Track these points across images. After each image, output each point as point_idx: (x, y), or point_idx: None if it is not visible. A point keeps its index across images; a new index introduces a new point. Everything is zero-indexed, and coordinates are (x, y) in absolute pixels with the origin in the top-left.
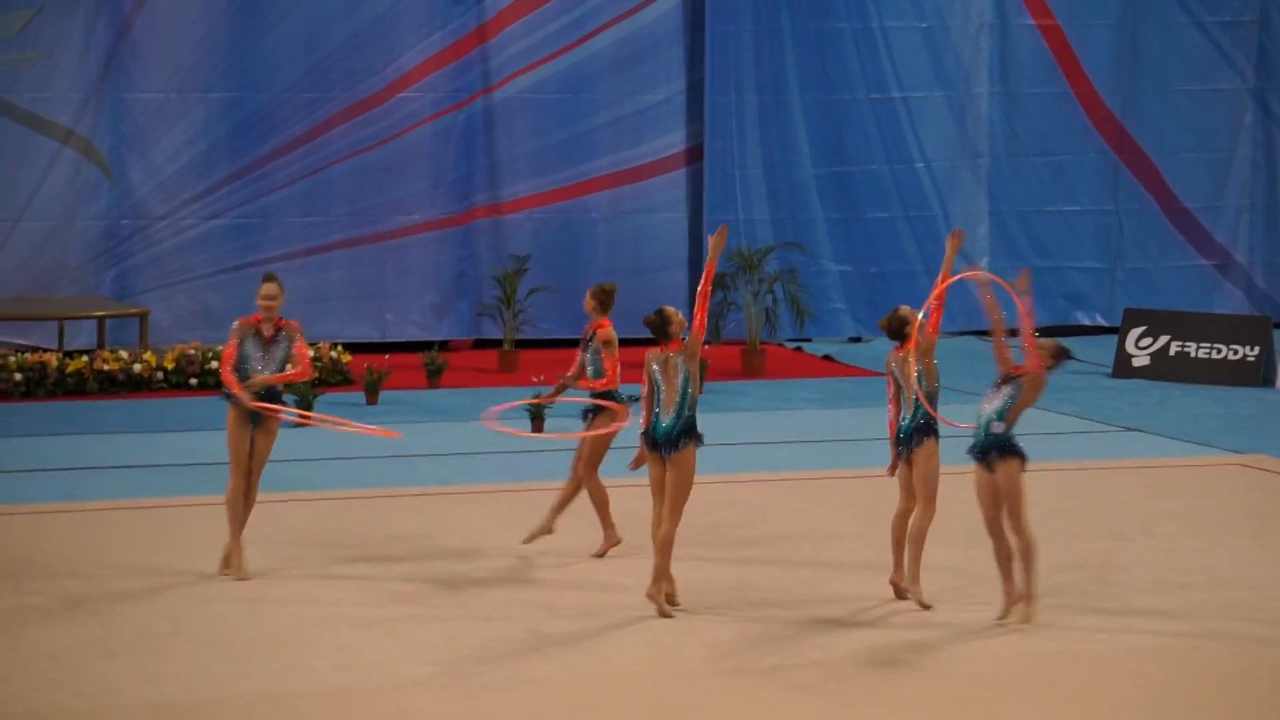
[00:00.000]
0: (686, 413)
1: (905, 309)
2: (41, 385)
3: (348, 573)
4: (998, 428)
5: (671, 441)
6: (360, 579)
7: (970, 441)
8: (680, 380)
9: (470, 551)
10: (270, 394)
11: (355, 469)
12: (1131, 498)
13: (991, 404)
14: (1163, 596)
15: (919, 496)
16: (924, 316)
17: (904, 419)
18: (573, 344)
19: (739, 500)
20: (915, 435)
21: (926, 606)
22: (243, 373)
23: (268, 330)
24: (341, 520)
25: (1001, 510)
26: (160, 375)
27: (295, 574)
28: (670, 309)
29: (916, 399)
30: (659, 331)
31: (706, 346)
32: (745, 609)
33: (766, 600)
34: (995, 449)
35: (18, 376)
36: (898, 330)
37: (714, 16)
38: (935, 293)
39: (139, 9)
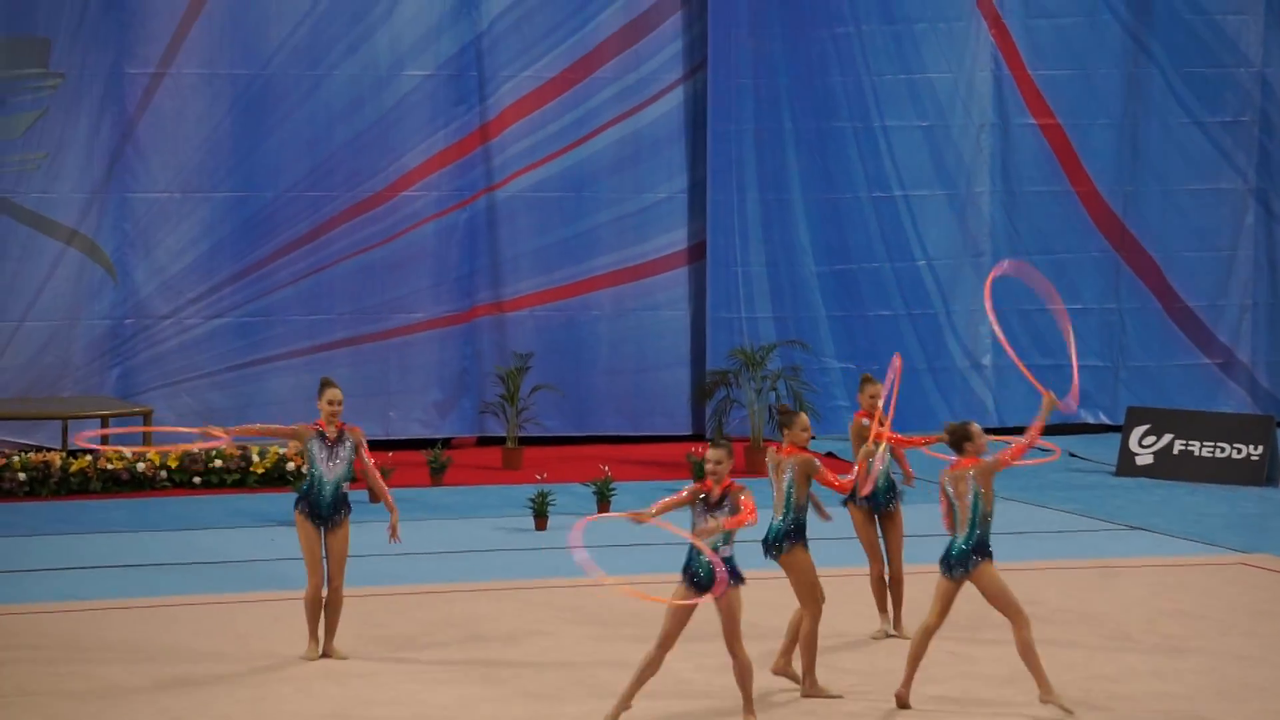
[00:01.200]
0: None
1: (975, 426)
2: (45, 485)
3: (351, 670)
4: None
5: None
6: (363, 677)
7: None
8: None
9: (473, 651)
10: (338, 499)
11: (357, 566)
12: (1136, 597)
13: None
14: (1168, 698)
15: (1006, 611)
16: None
17: (957, 539)
18: (576, 441)
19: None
20: (972, 555)
21: None
22: (313, 476)
23: (332, 433)
24: (344, 618)
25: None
26: (163, 474)
27: (300, 671)
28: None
29: (973, 518)
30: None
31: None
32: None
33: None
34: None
35: (21, 476)
36: (958, 442)
37: (715, 116)
38: (1019, 447)
39: (142, 110)
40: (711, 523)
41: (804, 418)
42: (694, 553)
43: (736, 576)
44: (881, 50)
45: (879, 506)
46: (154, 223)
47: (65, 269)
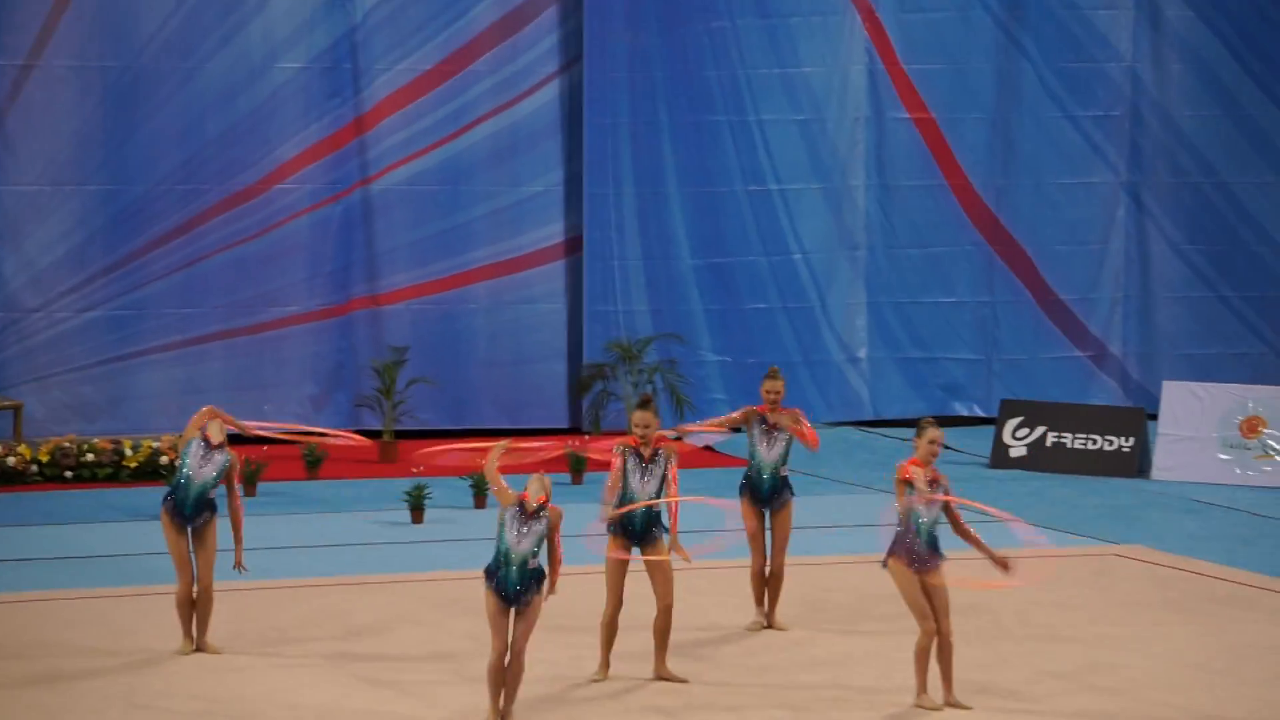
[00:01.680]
0: None
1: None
2: None
3: (224, 665)
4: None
5: None
6: (238, 671)
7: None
8: None
9: (350, 645)
10: (202, 501)
11: (229, 560)
12: (1010, 588)
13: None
14: (1041, 686)
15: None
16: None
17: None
18: (453, 434)
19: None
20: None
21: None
22: (181, 475)
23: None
24: (218, 613)
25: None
26: (35, 468)
27: (171, 667)
28: None
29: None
30: None
31: (586, 438)
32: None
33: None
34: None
35: None
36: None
37: (591, 109)
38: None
39: (11, 101)
40: None
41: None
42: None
43: None
44: (756, 44)
45: (768, 502)
46: (23, 215)
47: None
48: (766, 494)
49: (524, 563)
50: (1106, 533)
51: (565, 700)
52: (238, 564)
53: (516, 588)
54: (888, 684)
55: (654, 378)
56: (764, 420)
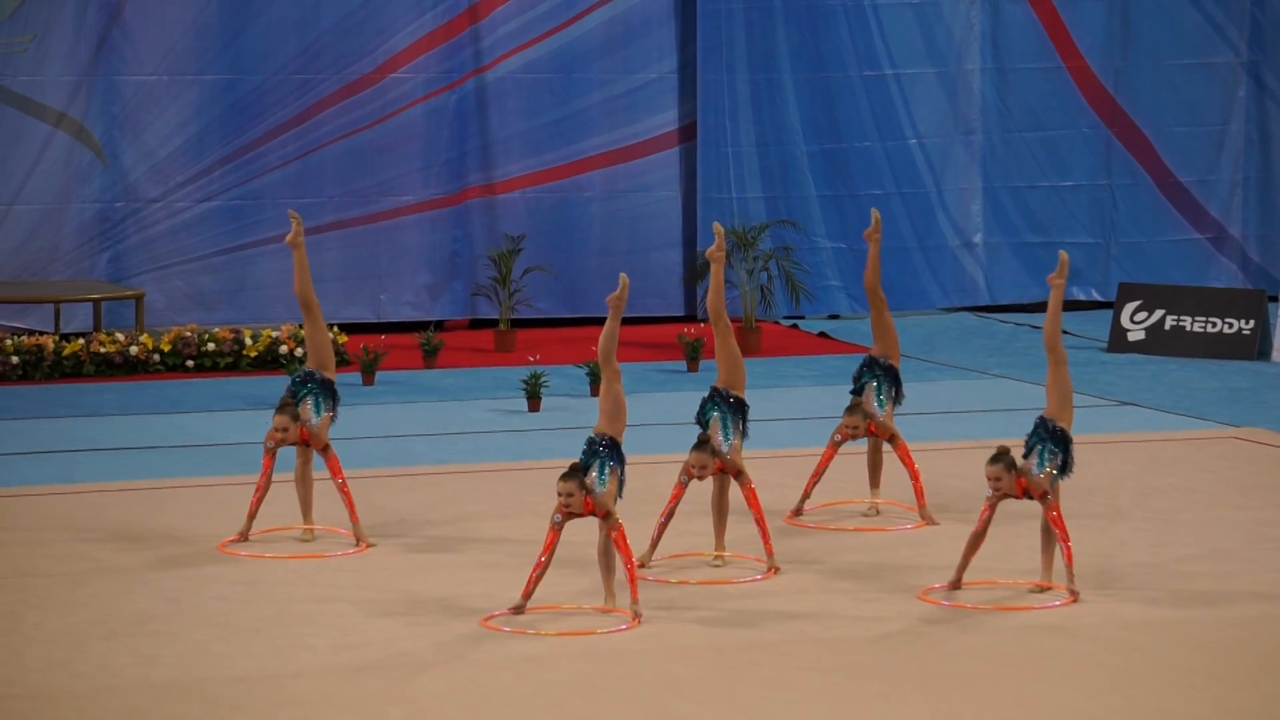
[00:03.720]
0: None
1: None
2: (38, 368)
3: (345, 552)
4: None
5: None
6: (358, 559)
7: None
8: None
9: (467, 531)
10: None
11: (350, 449)
12: (1128, 472)
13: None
14: (1159, 570)
15: None
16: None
17: None
18: (569, 323)
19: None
20: None
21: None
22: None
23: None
24: (338, 501)
25: None
26: (156, 358)
27: (294, 554)
28: None
29: None
30: None
31: (702, 324)
32: (744, 587)
33: (761, 580)
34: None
35: (14, 359)
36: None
37: None
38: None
39: None
40: None
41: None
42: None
43: None
44: None
45: None
46: (142, 106)
47: (54, 152)
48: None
49: None
50: (1226, 416)
51: (664, 583)
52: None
53: None
54: (1004, 565)
55: (769, 265)
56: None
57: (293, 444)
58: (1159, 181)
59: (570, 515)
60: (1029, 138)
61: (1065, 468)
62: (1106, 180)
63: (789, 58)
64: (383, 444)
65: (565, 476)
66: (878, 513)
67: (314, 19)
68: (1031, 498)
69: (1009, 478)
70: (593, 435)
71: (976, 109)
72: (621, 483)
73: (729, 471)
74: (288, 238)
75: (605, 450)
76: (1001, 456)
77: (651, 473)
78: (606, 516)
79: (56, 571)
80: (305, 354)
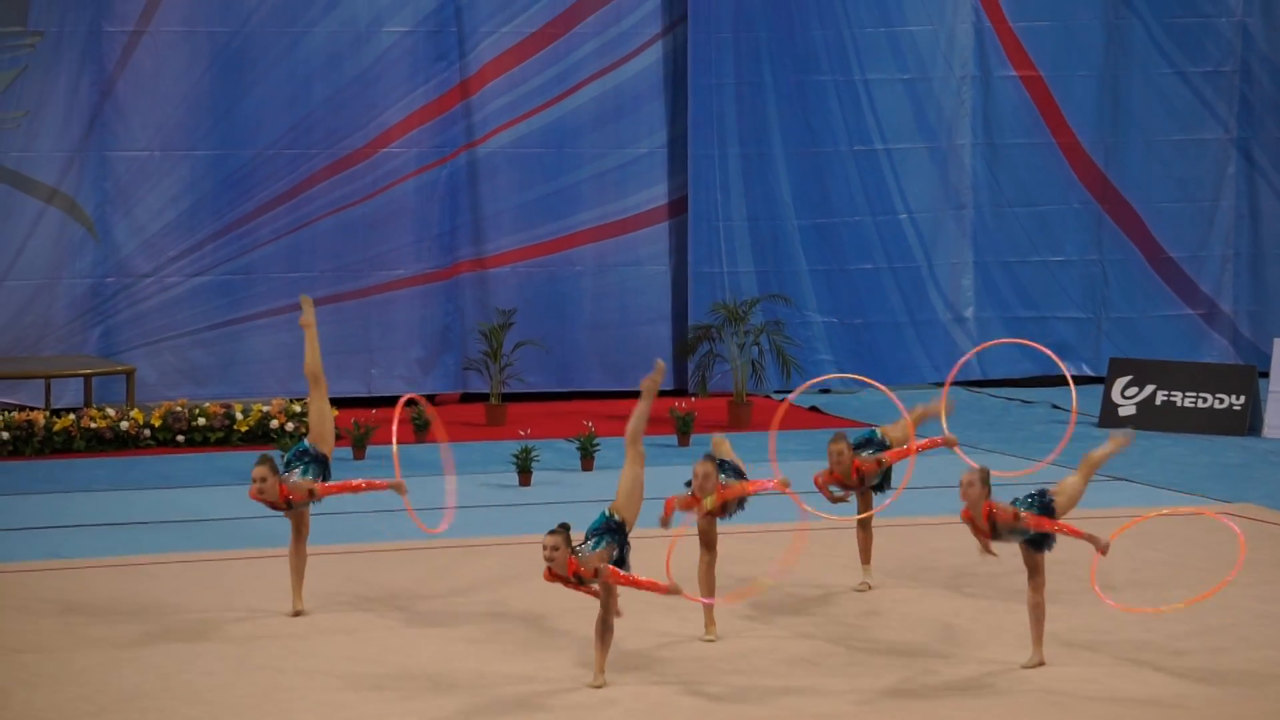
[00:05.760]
0: None
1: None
2: (29, 444)
3: (335, 626)
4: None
5: None
6: (347, 633)
7: None
8: None
9: (458, 606)
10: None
11: (341, 524)
12: (1120, 547)
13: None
14: (1150, 647)
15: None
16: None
17: None
18: (560, 397)
19: (733, 553)
20: None
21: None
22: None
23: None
24: (329, 575)
25: None
26: (147, 433)
27: (284, 629)
28: None
29: None
30: None
31: (693, 399)
32: (736, 660)
33: (764, 650)
34: None
35: (4, 435)
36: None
37: (696, 70)
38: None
39: (121, 68)
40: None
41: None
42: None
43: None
44: (861, 2)
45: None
46: (134, 181)
47: (46, 228)
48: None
49: None
50: (1217, 492)
51: (662, 659)
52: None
53: None
54: (996, 642)
55: (760, 339)
56: (843, 486)
57: (270, 501)
58: (1150, 257)
59: (554, 577)
60: (1020, 213)
61: (622, 561)
62: (1097, 255)
63: (780, 132)
64: (373, 518)
65: (553, 531)
66: (869, 588)
67: (306, 94)
68: (583, 581)
69: (565, 550)
70: (608, 511)
71: (967, 184)
72: (621, 561)
73: (585, 574)
74: (301, 319)
75: (613, 527)
76: (560, 530)
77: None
78: (595, 575)
79: (46, 647)
80: (297, 429)
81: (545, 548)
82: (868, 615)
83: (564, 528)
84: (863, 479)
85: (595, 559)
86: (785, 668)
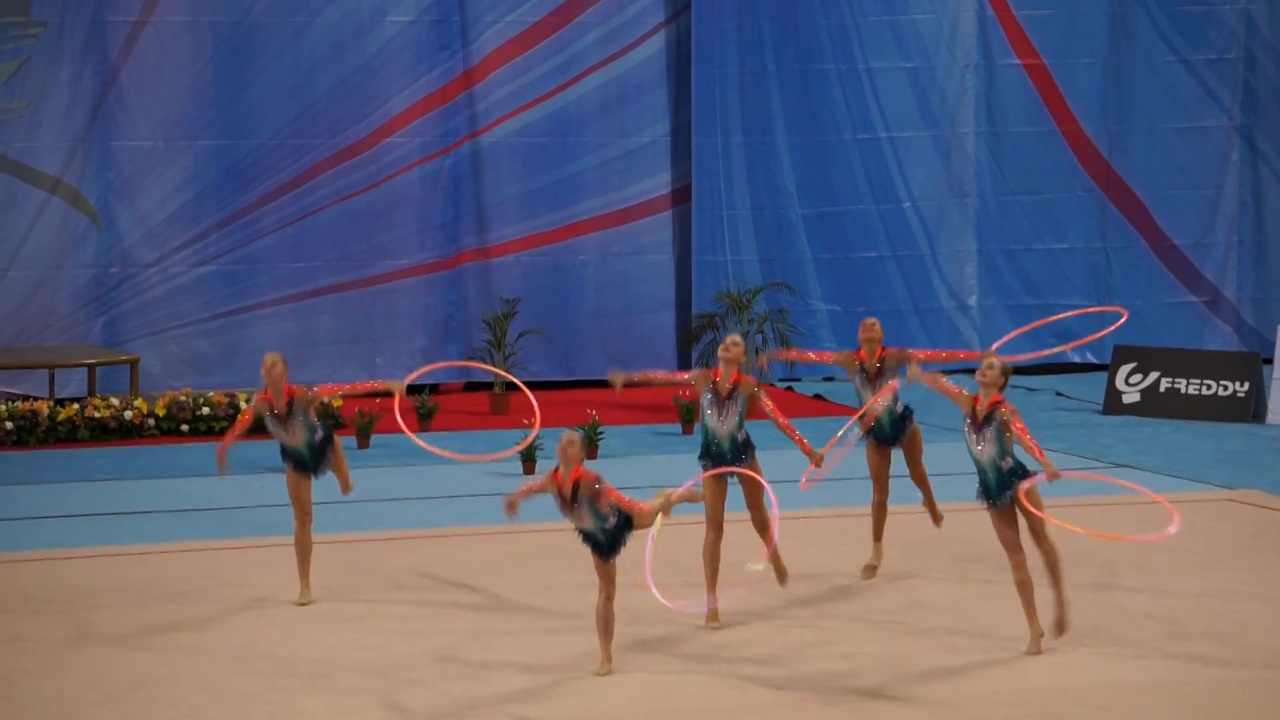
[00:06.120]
0: None
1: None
2: (33, 434)
3: (339, 614)
4: (1008, 463)
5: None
6: (353, 621)
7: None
8: None
9: (462, 594)
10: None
11: (345, 512)
12: (1123, 533)
13: (987, 447)
14: (1154, 632)
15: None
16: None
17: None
18: (564, 386)
19: (735, 540)
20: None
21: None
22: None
23: (871, 367)
24: (335, 564)
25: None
26: (151, 422)
27: (288, 618)
28: None
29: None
30: None
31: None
32: (738, 648)
33: (762, 638)
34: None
35: (9, 425)
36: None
37: (699, 59)
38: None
39: (124, 58)
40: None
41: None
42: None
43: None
44: None
45: (894, 440)
46: (138, 171)
47: (49, 218)
48: (891, 432)
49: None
50: (1221, 478)
51: (666, 646)
52: (344, 488)
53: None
54: (1001, 627)
55: (764, 327)
56: (863, 367)
57: (273, 390)
58: (1153, 244)
59: (554, 481)
60: (1023, 201)
61: (616, 539)
62: (1101, 243)
63: (783, 121)
64: (378, 507)
65: (574, 429)
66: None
67: (309, 84)
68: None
69: (579, 450)
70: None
71: (971, 172)
72: (615, 539)
73: (585, 483)
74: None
75: (626, 519)
76: (580, 430)
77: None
78: (594, 491)
79: (51, 636)
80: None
81: (561, 440)
82: (875, 599)
83: (584, 434)
84: (883, 364)
85: (599, 481)
86: (791, 651)
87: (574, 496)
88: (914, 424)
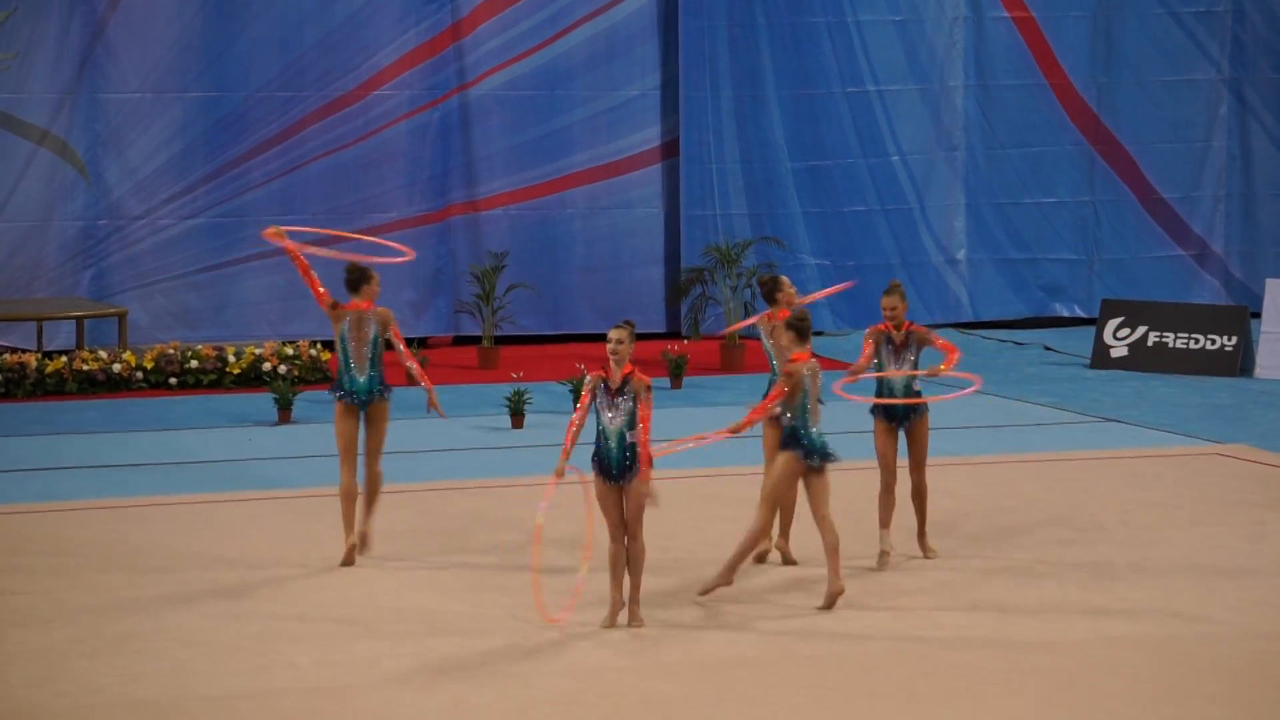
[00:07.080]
0: None
1: (786, 279)
2: (20, 386)
3: (328, 569)
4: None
5: None
6: (341, 575)
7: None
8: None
9: (451, 548)
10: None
11: (332, 467)
12: (1111, 488)
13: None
14: (1142, 586)
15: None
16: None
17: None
18: (552, 340)
19: (724, 494)
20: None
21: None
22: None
23: (899, 338)
24: (321, 518)
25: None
26: (139, 375)
27: (277, 572)
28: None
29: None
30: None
31: (685, 341)
32: (720, 603)
33: (740, 595)
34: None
35: None
36: (769, 294)
37: (688, 11)
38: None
39: (112, 10)
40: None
41: (786, 279)
42: (603, 441)
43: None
44: None
45: (903, 420)
46: (126, 123)
47: (37, 170)
48: (901, 410)
49: (621, 438)
50: (1209, 432)
51: (672, 598)
52: (432, 405)
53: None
54: (987, 590)
55: (752, 281)
56: (890, 339)
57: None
58: (1142, 198)
59: (604, 377)
60: (1012, 154)
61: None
62: (1089, 196)
63: (772, 74)
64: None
65: (619, 325)
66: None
67: (297, 36)
68: (624, 390)
69: (629, 346)
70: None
71: (960, 125)
72: (626, 462)
73: (636, 381)
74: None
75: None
76: (627, 324)
77: None
78: (646, 390)
79: (39, 589)
80: (289, 370)
81: (611, 340)
82: (865, 553)
83: (630, 324)
84: (909, 338)
85: (650, 387)
86: (779, 606)
87: (621, 388)
88: (926, 411)
